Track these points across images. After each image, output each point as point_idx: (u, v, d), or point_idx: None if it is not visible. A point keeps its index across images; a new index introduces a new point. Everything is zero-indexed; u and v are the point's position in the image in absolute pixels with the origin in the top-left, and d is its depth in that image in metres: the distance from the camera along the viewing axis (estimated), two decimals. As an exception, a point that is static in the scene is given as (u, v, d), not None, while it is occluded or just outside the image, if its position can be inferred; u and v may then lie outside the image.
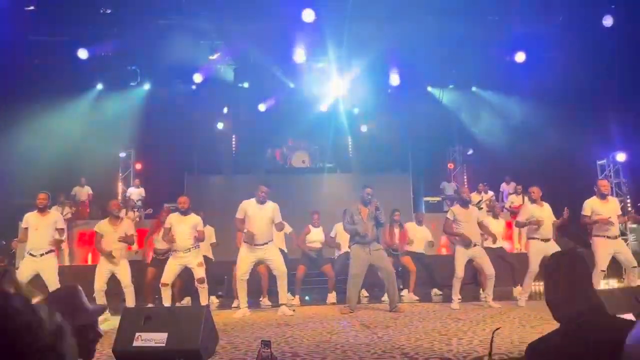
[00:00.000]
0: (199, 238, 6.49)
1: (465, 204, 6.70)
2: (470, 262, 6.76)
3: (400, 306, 6.39)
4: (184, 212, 6.46)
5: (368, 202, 6.40)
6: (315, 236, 7.73)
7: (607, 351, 1.50)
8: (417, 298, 7.55)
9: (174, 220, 6.47)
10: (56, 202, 10.41)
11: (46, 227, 6.15)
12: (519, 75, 11.43)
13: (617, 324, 1.61)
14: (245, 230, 6.28)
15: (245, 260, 6.30)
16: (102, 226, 6.49)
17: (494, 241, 7.02)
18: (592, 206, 6.26)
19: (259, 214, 6.25)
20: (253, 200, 6.34)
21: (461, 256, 6.53)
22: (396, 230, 7.76)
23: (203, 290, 6.39)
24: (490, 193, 11.51)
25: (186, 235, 6.35)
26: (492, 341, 3.25)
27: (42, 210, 6.21)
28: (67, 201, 10.80)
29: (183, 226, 6.38)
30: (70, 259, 10.10)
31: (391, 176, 12.48)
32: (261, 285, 7.41)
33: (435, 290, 8.16)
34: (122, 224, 6.50)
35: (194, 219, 6.52)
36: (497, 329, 3.52)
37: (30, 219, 6.22)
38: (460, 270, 6.51)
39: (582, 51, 10.20)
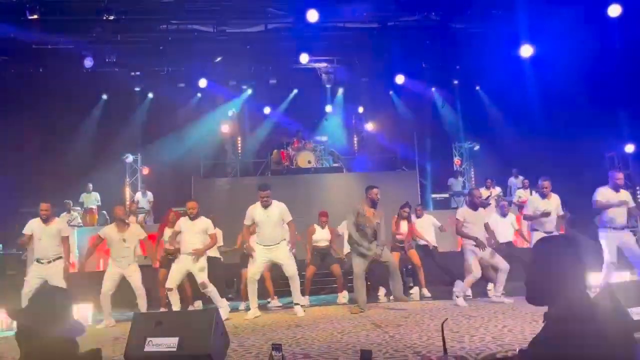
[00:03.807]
0: (211, 244, 6.45)
1: (474, 206, 6.60)
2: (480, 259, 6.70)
3: (405, 298, 6.44)
4: (193, 218, 6.41)
5: (377, 203, 6.34)
6: (320, 235, 7.65)
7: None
8: (429, 295, 7.49)
9: (183, 225, 6.43)
10: (64, 209, 10.47)
11: (49, 236, 6.15)
12: (525, 69, 11.35)
13: (609, 330, 1.50)
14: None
15: (256, 260, 6.26)
16: (107, 230, 6.48)
17: (495, 244, 6.88)
18: (603, 194, 6.19)
19: (267, 218, 6.21)
20: (259, 204, 6.27)
21: (472, 256, 6.41)
22: (402, 223, 7.64)
23: (211, 292, 6.35)
24: (498, 189, 11.43)
25: (194, 241, 6.30)
26: (443, 335, 3.30)
27: (45, 220, 6.20)
28: (75, 208, 10.85)
29: (192, 231, 6.33)
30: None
31: (397, 174, 12.43)
32: (266, 288, 7.37)
33: (443, 288, 8.10)
34: (129, 230, 6.46)
35: (204, 223, 6.45)
36: (445, 320, 3.81)
37: (34, 227, 6.21)
38: (477, 270, 6.37)
39: (590, 42, 10.09)
